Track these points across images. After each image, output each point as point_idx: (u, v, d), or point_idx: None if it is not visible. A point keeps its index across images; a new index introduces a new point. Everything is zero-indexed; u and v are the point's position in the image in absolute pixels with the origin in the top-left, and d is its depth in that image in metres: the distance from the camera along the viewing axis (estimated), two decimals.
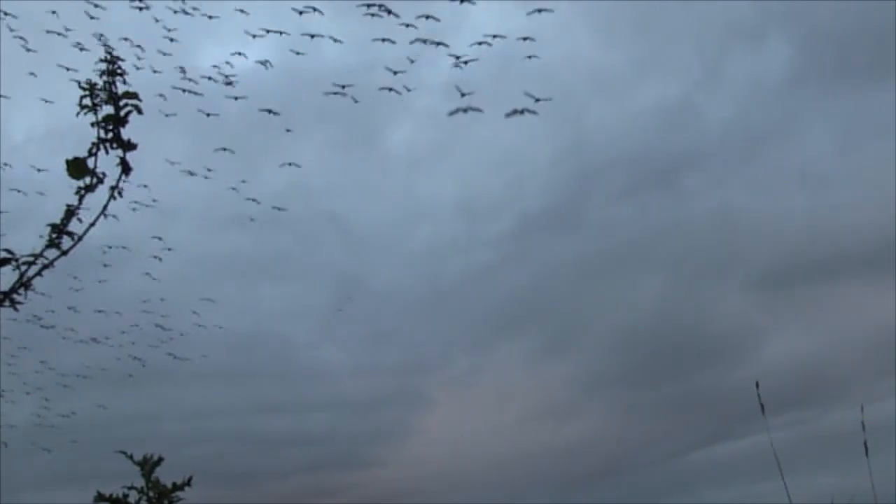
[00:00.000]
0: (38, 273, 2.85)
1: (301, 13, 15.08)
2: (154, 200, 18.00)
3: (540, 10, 13.91)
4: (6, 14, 15.46)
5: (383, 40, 14.67)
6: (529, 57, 14.21)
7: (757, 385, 5.94)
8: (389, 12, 14.14)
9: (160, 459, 3.28)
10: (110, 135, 2.93)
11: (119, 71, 2.93)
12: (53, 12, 15.46)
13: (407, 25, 14.33)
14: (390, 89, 15.00)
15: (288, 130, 17.68)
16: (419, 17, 14.31)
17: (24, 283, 2.82)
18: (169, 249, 19.11)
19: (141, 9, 15.40)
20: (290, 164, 18.73)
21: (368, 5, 14.02)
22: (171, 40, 16.04)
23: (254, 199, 19.31)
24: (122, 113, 2.93)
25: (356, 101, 15.69)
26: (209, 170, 17.78)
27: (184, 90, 16.55)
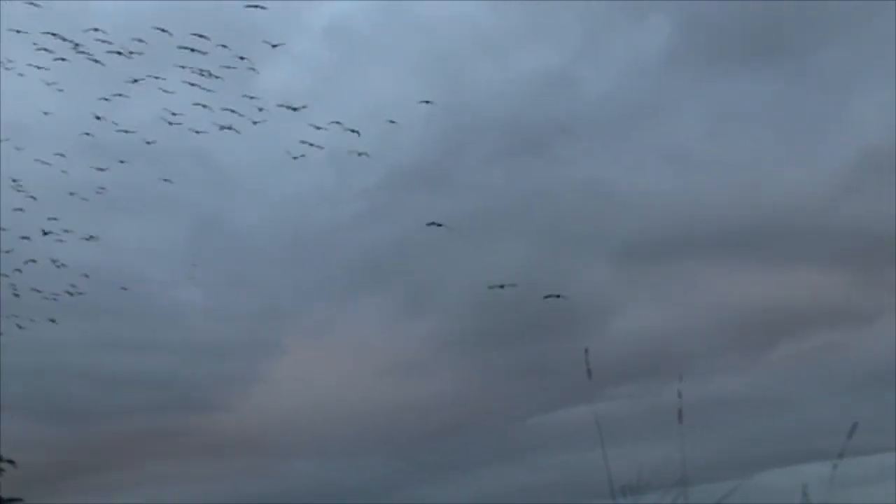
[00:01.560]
0: None
1: None
2: None
3: None
4: None
5: None
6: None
7: (586, 351, 5.98)
8: None
9: None
10: None
11: None
12: None
13: None
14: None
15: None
16: None
17: None
18: (13, 181, 18.13)
19: None
20: (162, 91, 18.02)
21: None
22: None
23: (123, 130, 18.50)
24: None
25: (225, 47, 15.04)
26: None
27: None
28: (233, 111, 23.98)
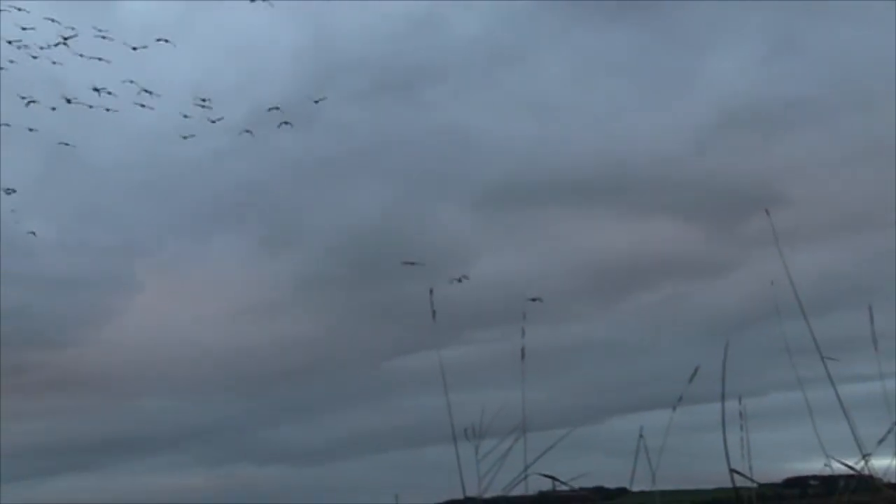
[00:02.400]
0: None
1: None
2: None
3: None
4: None
5: None
6: None
7: (431, 292, 5.72)
8: None
9: None
10: None
11: None
12: None
13: None
14: None
15: None
16: None
17: None
18: None
19: None
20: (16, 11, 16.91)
21: None
22: None
23: None
24: None
25: None
26: None
27: None
28: (96, 37, 22.84)
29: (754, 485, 4.97)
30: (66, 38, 22.38)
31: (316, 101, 21.98)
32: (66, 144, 23.01)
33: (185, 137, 24.01)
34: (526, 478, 5.09)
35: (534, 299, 8.38)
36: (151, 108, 23.12)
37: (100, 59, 22.83)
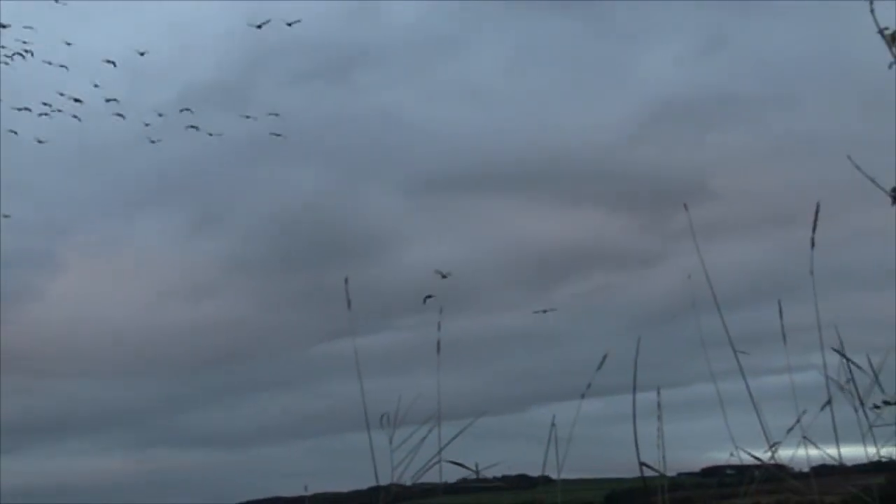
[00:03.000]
0: None
1: None
2: None
3: None
4: None
5: None
6: None
7: (346, 281, 5.71)
8: None
9: None
10: None
11: None
12: None
13: None
14: None
15: None
16: None
17: None
18: None
19: None
20: None
21: None
22: None
23: None
24: None
25: None
26: None
27: None
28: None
29: (659, 475, 5.08)
30: None
31: (258, 26, 21.58)
32: (13, 133, 22.45)
33: (117, 115, 23.64)
34: (438, 464, 5.12)
35: (443, 275, 8.31)
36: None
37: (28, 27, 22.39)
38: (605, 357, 4.80)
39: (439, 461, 4.97)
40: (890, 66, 3.42)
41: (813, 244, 4.40)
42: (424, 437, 4.90)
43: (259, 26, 22.72)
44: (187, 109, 23.54)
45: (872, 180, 3.36)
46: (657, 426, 5.45)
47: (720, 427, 5.38)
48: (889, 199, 3.40)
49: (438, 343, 5.33)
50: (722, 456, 5.44)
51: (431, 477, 5.25)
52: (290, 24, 23.29)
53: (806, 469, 5.54)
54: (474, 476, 5.26)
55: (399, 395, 5.38)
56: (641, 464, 4.66)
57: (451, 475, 5.52)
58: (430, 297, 7.18)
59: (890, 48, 3.38)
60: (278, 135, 22.98)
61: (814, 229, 4.36)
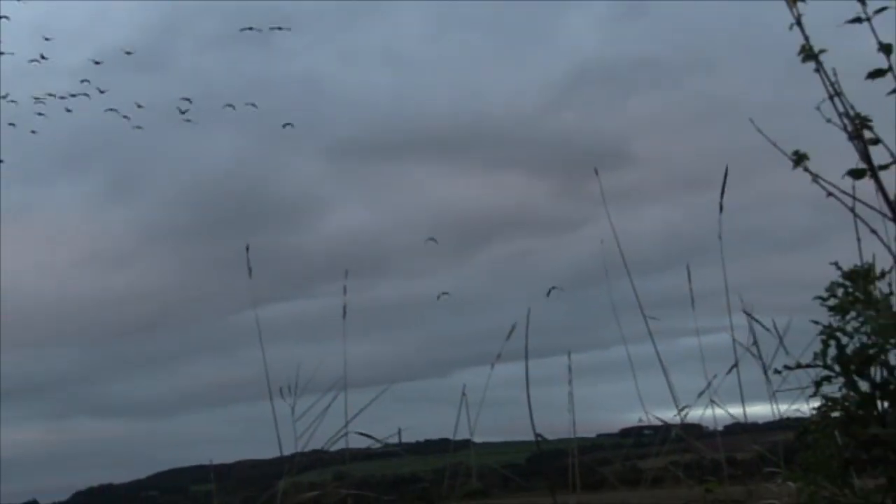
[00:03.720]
0: None
1: None
2: None
3: None
4: None
5: None
6: None
7: (247, 249, 5.69)
8: None
9: None
10: None
11: None
12: None
13: None
14: None
15: None
16: None
17: None
18: None
19: None
20: None
21: None
22: None
23: None
24: None
25: None
26: None
27: None
28: None
29: (568, 438, 5.17)
30: None
31: None
32: None
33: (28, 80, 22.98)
34: (346, 435, 5.12)
35: (431, 239, 8.41)
36: None
37: None
38: (513, 327, 4.84)
39: (346, 433, 4.98)
40: (790, 28, 3.47)
41: (721, 208, 4.46)
42: (328, 407, 4.89)
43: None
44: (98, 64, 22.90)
45: (774, 144, 3.41)
46: (568, 389, 5.53)
47: (643, 389, 5.47)
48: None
49: (344, 308, 5.32)
50: (637, 417, 5.54)
51: (340, 444, 5.25)
52: None
53: (716, 429, 5.68)
54: (376, 445, 5.27)
55: (303, 364, 5.36)
56: (537, 437, 4.72)
57: (361, 442, 5.54)
58: (432, 239, 7.20)
59: (790, 8, 3.43)
60: (188, 100, 22.54)
61: (722, 193, 4.43)
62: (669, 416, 5.51)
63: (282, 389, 5.10)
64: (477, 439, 6.79)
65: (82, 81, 22.94)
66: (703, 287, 5.69)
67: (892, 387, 3.72)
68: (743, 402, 5.01)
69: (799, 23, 3.47)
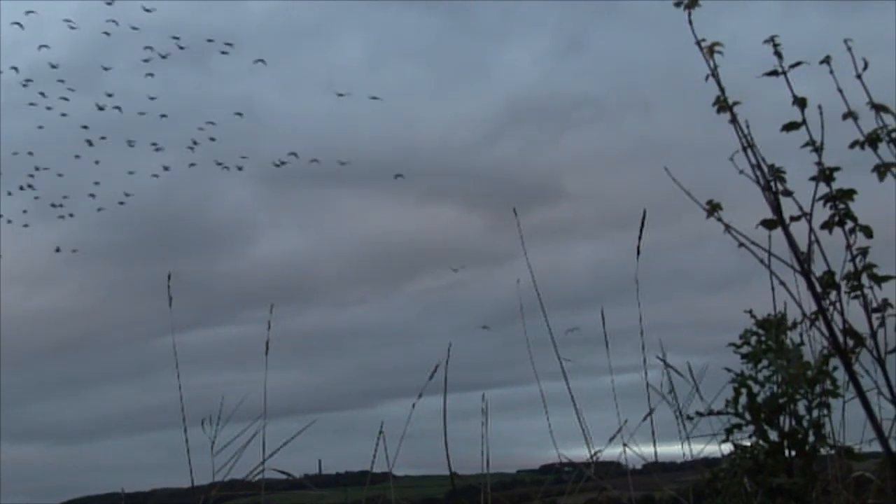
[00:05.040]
0: None
1: None
2: None
3: None
4: None
5: None
6: None
7: (169, 277, 5.60)
8: None
9: None
10: None
11: None
12: None
13: None
14: None
15: None
16: None
17: None
18: None
19: None
20: None
21: None
22: None
23: None
24: None
25: None
26: None
27: None
28: None
29: (480, 474, 5.15)
30: None
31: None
32: None
33: None
34: (262, 471, 5.04)
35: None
36: None
37: None
38: (436, 367, 4.80)
39: (262, 471, 4.89)
40: (706, 79, 3.51)
41: (638, 252, 4.50)
42: (248, 441, 4.81)
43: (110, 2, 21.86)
44: (29, 82, 22.55)
45: (688, 193, 3.44)
46: (482, 425, 5.52)
47: (560, 424, 5.48)
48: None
49: (267, 344, 5.24)
50: (568, 453, 5.54)
51: (258, 475, 5.17)
52: (147, 11, 22.68)
53: (632, 468, 5.71)
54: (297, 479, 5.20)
55: (227, 392, 5.28)
56: (452, 473, 4.69)
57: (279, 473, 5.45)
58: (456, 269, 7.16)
59: (707, 60, 3.47)
60: (117, 108, 22.24)
61: (639, 237, 4.46)
62: (587, 454, 5.54)
63: (204, 421, 5.01)
64: (398, 472, 6.74)
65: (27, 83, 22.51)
66: (628, 325, 5.74)
67: (800, 436, 3.77)
68: (655, 443, 5.04)
69: (714, 74, 3.53)
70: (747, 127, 3.46)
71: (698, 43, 3.49)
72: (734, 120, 3.48)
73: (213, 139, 22.72)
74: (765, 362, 3.78)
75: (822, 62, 3.72)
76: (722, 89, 3.50)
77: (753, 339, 3.85)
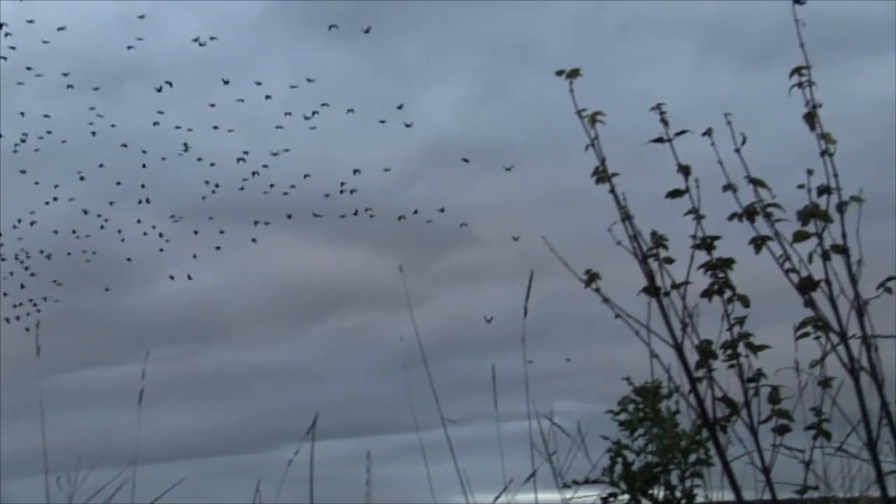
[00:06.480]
0: None
1: None
2: None
3: None
4: None
5: None
6: None
7: (38, 325, 5.41)
8: None
9: None
10: None
11: None
12: None
13: None
14: None
15: None
16: None
17: None
18: None
19: None
20: None
21: None
22: None
23: None
24: None
25: None
26: None
27: None
28: None
29: None
30: None
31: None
32: None
33: None
34: None
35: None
36: None
37: None
38: (315, 418, 4.71)
39: None
40: (586, 149, 3.54)
41: (525, 312, 4.48)
42: (116, 492, 4.65)
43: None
44: None
45: (565, 263, 3.45)
46: (367, 471, 5.46)
47: (471, 468, 5.44)
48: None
49: (141, 393, 5.09)
50: (476, 499, 5.50)
51: None
52: (60, 29, 22.18)
53: None
54: None
55: (116, 435, 5.11)
56: None
57: None
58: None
59: (587, 130, 3.50)
60: (22, 141, 21.66)
61: (527, 297, 4.45)
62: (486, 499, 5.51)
63: (68, 475, 4.83)
64: None
65: None
66: (533, 370, 5.71)
67: None
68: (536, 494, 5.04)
69: (593, 144, 3.55)
70: (624, 199, 3.49)
71: (578, 113, 3.52)
72: (612, 191, 3.51)
73: (124, 171, 22.26)
74: (641, 430, 3.80)
75: (703, 134, 3.79)
76: (602, 159, 3.53)
77: (631, 407, 3.87)
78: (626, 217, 3.49)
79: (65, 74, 21.57)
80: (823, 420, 3.59)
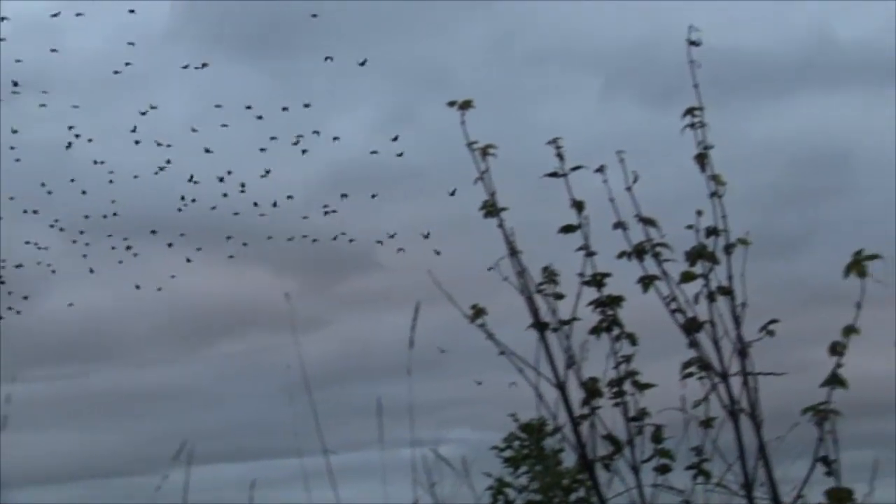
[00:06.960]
0: None
1: None
2: None
3: None
4: None
5: None
6: None
7: None
8: None
9: None
10: None
11: None
12: None
13: None
14: None
15: None
16: None
17: None
18: None
19: None
20: None
21: None
22: None
23: None
24: None
25: None
26: None
27: None
28: None
29: None
30: None
31: None
32: None
33: None
34: None
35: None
36: None
37: None
38: (182, 445, 4.57)
39: None
40: (475, 182, 3.51)
41: (411, 343, 4.42)
42: None
43: None
44: None
45: (450, 298, 3.41)
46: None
47: (355, 495, 5.36)
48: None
49: (5, 420, 4.88)
50: None
51: None
52: None
53: None
54: None
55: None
56: None
57: None
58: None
59: (477, 163, 3.47)
60: None
61: (412, 328, 4.39)
62: None
63: None
64: None
65: None
66: (436, 397, 5.64)
67: None
68: None
69: (482, 177, 3.53)
70: (513, 233, 3.47)
71: (469, 145, 3.49)
72: (501, 226, 3.48)
73: (17, 183, 21.58)
74: (524, 468, 3.77)
75: (596, 171, 3.80)
76: (492, 193, 3.50)
77: (516, 444, 3.84)
78: (514, 252, 3.46)
79: None
80: (704, 460, 3.60)
